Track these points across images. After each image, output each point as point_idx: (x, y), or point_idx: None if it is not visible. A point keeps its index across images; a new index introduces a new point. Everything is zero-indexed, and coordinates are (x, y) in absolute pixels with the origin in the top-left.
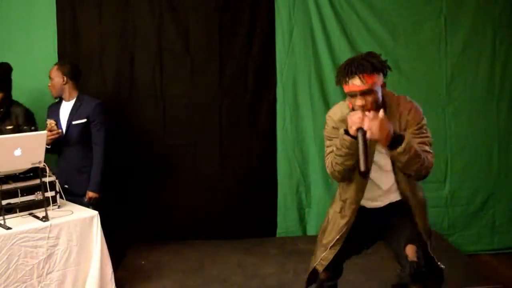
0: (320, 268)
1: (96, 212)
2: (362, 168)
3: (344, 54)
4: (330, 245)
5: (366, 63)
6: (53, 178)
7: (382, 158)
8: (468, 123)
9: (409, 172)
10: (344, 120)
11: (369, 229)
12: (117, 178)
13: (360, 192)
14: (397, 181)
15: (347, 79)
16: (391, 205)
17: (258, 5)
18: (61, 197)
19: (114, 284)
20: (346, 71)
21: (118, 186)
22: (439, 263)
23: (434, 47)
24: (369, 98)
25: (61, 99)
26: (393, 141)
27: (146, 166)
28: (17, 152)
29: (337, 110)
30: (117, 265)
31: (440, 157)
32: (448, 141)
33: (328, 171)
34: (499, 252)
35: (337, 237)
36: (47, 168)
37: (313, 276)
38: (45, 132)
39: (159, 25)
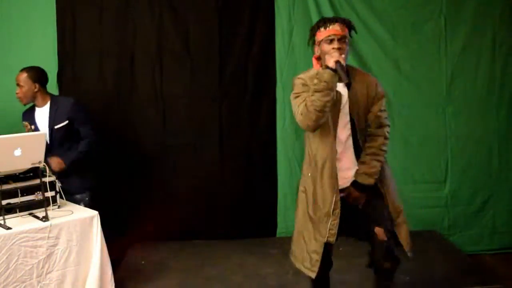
0: (333, 239)
1: (96, 212)
2: (345, 79)
3: None
4: (332, 209)
5: (343, 18)
6: (53, 178)
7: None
8: (468, 123)
9: None
10: (312, 77)
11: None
12: (117, 178)
13: (334, 149)
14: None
15: (327, 25)
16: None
17: (258, 5)
18: (61, 197)
19: (113, 284)
20: (327, 19)
21: (118, 185)
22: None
23: (434, 47)
24: (344, 46)
25: (33, 106)
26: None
27: (146, 166)
28: (17, 152)
29: (305, 73)
30: (117, 265)
31: (440, 157)
32: (448, 141)
33: (301, 117)
34: (499, 252)
35: (334, 199)
36: (47, 168)
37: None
38: (44, 132)
39: (159, 25)
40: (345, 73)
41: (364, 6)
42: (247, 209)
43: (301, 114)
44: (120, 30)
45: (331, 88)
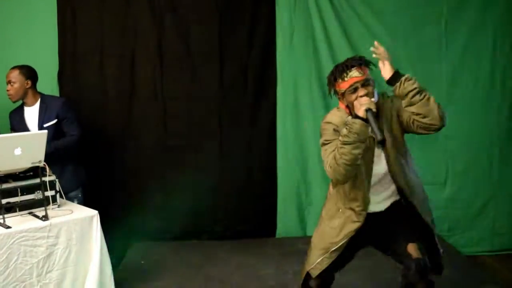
0: (314, 273)
1: (96, 212)
2: (379, 136)
3: (345, 55)
4: (332, 249)
5: (357, 59)
6: (53, 177)
7: (378, 163)
8: (468, 125)
9: (431, 112)
10: (344, 123)
11: (367, 235)
12: (117, 177)
13: (367, 192)
14: (392, 172)
15: (345, 75)
16: (389, 208)
17: (259, 5)
18: (61, 196)
19: (113, 284)
20: (342, 67)
21: (118, 185)
22: (440, 249)
23: (434, 48)
24: (370, 88)
25: (22, 105)
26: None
27: (146, 165)
28: (17, 151)
29: (334, 116)
30: (117, 265)
31: (441, 159)
32: (449, 143)
33: (331, 170)
34: (499, 254)
35: (341, 244)
36: (47, 167)
37: (306, 282)
38: (45, 131)
39: (159, 25)
40: (376, 124)
41: (365, 7)
42: (246, 209)
43: (330, 167)
44: (120, 30)
45: (363, 140)
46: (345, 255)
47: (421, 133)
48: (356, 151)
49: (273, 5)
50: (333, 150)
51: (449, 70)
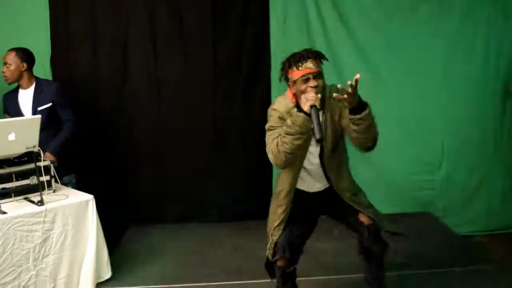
0: (269, 256)
1: (91, 196)
2: (318, 136)
3: (339, 37)
4: (271, 232)
5: (313, 51)
6: (47, 162)
7: (311, 157)
8: (463, 105)
9: (368, 137)
10: (289, 112)
11: (309, 208)
12: (112, 162)
13: (294, 182)
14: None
15: (300, 64)
16: (325, 191)
17: None
18: (55, 181)
19: (110, 268)
20: (299, 57)
21: (113, 170)
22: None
23: (429, 28)
24: (320, 82)
25: (16, 88)
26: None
27: (141, 149)
28: (11, 137)
29: (281, 104)
30: (113, 249)
31: (436, 140)
32: (444, 123)
33: (272, 155)
34: (493, 233)
35: (275, 224)
36: (41, 152)
37: (271, 268)
38: (39, 116)
39: (152, 10)
40: (318, 123)
41: None
42: (242, 191)
43: (272, 152)
44: (113, 15)
45: (304, 132)
46: (295, 229)
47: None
48: (297, 142)
49: None
50: (276, 137)
51: (444, 47)
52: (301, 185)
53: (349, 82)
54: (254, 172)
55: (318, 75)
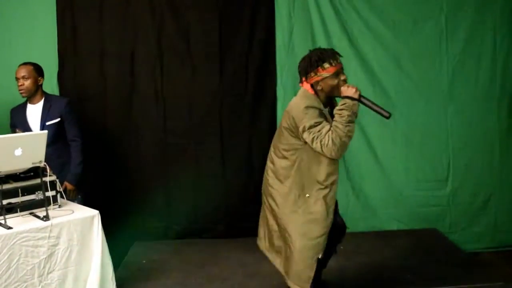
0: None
1: (96, 212)
2: (386, 113)
3: (345, 52)
4: (328, 231)
5: (335, 51)
6: (53, 177)
7: None
8: (469, 122)
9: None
10: (320, 105)
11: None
12: (118, 177)
13: (337, 170)
14: None
15: (335, 60)
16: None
17: (258, 3)
18: (61, 196)
19: (114, 283)
20: (332, 53)
21: (119, 184)
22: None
23: (435, 44)
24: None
25: (25, 103)
26: None
27: (147, 165)
28: (18, 152)
29: (312, 100)
30: (118, 265)
31: (442, 156)
32: (450, 140)
33: (335, 147)
34: (500, 250)
35: (331, 221)
36: (47, 167)
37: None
38: (45, 132)
39: (159, 24)
40: (376, 104)
41: (364, 4)
42: (247, 208)
43: (335, 144)
44: (120, 29)
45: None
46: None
47: None
48: (354, 129)
49: (273, 3)
50: (328, 130)
51: (450, 67)
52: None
53: None
54: (260, 188)
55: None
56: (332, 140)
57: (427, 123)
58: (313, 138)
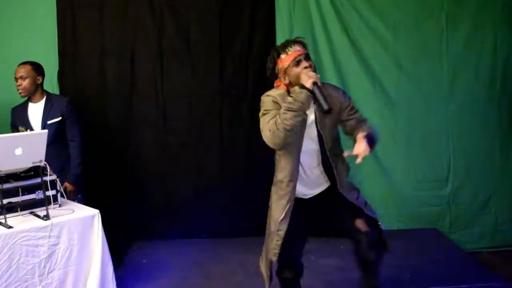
0: (274, 258)
1: (97, 211)
2: (326, 106)
3: (345, 52)
4: (277, 227)
5: (295, 38)
6: (54, 177)
7: (310, 143)
8: (470, 121)
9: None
10: (283, 96)
11: (308, 217)
12: (118, 177)
13: (296, 169)
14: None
15: (289, 49)
16: (323, 193)
17: (258, 3)
18: (62, 196)
19: (115, 283)
20: (285, 44)
21: (119, 184)
22: (380, 224)
23: (435, 44)
24: (311, 62)
25: (26, 102)
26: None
27: (147, 164)
28: (18, 151)
29: (273, 91)
30: (118, 264)
31: (442, 156)
32: (450, 140)
33: (269, 133)
34: (500, 250)
35: (281, 217)
36: (47, 167)
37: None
38: (45, 131)
39: (159, 24)
40: (323, 96)
41: (365, 4)
42: (247, 208)
43: (270, 130)
44: (120, 29)
45: (305, 109)
46: (299, 235)
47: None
48: (298, 119)
49: (273, 3)
50: (273, 117)
51: (450, 66)
52: (300, 188)
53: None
54: (259, 188)
55: (307, 56)
56: (270, 126)
57: (427, 123)
58: (261, 125)
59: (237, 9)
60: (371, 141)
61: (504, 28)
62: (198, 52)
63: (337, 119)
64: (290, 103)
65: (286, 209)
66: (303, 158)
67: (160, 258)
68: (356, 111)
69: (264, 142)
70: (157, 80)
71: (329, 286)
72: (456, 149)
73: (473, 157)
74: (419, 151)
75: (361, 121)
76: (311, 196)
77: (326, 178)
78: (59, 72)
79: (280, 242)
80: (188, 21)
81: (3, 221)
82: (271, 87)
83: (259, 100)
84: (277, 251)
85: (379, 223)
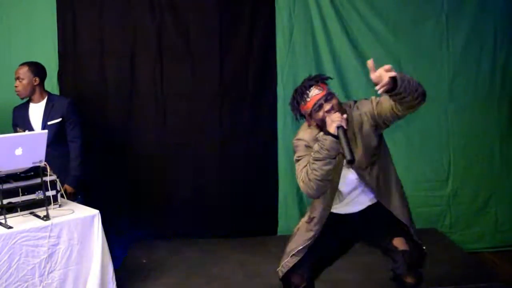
0: (280, 274)
1: (97, 211)
2: (349, 156)
3: (345, 52)
4: (292, 253)
5: (313, 78)
6: (54, 177)
7: (349, 172)
8: (470, 121)
9: (419, 93)
10: (315, 139)
11: (340, 236)
12: (118, 177)
13: (328, 208)
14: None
15: (305, 96)
16: (366, 209)
17: (258, 3)
18: (62, 196)
19: (115, 283)
20: (301, 89)
21: (119, 184)
22: (422, 245)
23: (435, 45)
24: (334, 101)
25: (27, 102)
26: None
27: (147, 164)
28: (18, 151)
29: (305, 133)
30: (118, 264)
31: (443, 156)
32: (451, 140)
33: (303, 184)
34: (501, 250)
35: (299, 248)
36: (48, 167)
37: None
38: (45, 131)
39: (159, 24)
40: (347, 142)
41: (365, 4)
42: (247, 208)
43: (303, 181)
44: (120, 29)
45: (332, 155)
46: (318, 259)
47: (407, 114)
48: (327, 167)
49: (273, 3)
50: (305, 166)
51: (450, 66)
52: (338, 209)
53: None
54: (259, 188)
55: (329, 96)
56: (302, 176)
57: (428, 123)
58: (296, 172)
59: (237, 9)
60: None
61: (503, 29)
62: (198, 52)
63: (370, 133)
64: (316, 152)
65: (308, 242)
66: (341, 186)
67: (160, 258)
68: (381, 102)
69: (264, 142)
70: (157, 80)
71: (329, 286)
72: (456, 149)
73: (473, 157)
74: (419, 151)
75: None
76: (353, 212)
77: (371, 196)
78: (59, 72)
79: (290, 265)
80: (188, 20)
81: (3, 221)
82: (270, 87)
83: (259, 100)
84: (284, 270)
85: (424, 248)
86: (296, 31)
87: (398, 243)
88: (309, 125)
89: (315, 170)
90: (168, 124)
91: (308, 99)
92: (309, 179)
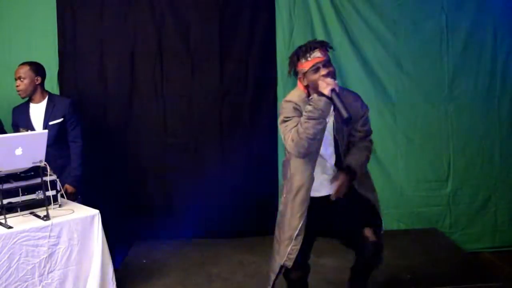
0: (290, 264)
1: (97, 211)
2: (346, 114)
3: (345, 52)
4: (295, 235)
5: (319, 41)
6: (54, 177)
7: (327, 148)
8: (470, 121)
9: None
10: (303, 101)
11: (319, 217)
12: (118, 177)
13: (312, 173)
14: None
15: (308, 55)
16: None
17: (259, 3)
18: (62, 196)
19: (115, 283)
20: (305, 48)
21: (119, 184)
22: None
23: (435, 44)
24: (331, 69)
25: (27, 102)
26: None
27: (147, 164)
28: (18, 151)
29: (294, 96)
30: (118, 264)
31: (442, 156)
32: (450, 139)
33: (293, 143)
34: (500, 250)
35: (296, 233)
36: (48, 167)
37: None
38: (46, 131)
39: (159, 24)
40: (342, 103)
41: (365, 4)
42: (248, 208)
43: (293, 140)
44: (120, 29)
45: (325, 116)
46: (308, 239)
47: None
48: (319, 126)
49: (273, 3)
50: (295, 126)
51: (450, 66)
52: (315, 187)
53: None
54: (260, 188)
55: (327, 63)
56: (292, 135)
57: (427, 123)
58: (282, 133)
59: (237, 9)
60: (352, 172)
61: (503, 29)
62: (198, 52)
63: (352, 126)
64: (310, 111)
65: (304, 216)
66: (319, 161)
67: (160, 258)
68: (366, 124)
69: (264, 142)
70: (157, 80)
71: (329, 286)
72: (456, 149)
73: (473, 157)
74: (419, 151)
75: (362, 139)
76: (325, 195)
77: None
78: (59, 72)
79: (297, 247)
80: (188, 21)
81: (3, 221)
82: (270, 86)
83: (259, 100)
84: (293, 256)
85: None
86: (296, 31)
87: (369, 233)
88: (299, 87)
89: (307, 129)
90: (168, 124)
91: (310, 59)
92: (300, 138)
